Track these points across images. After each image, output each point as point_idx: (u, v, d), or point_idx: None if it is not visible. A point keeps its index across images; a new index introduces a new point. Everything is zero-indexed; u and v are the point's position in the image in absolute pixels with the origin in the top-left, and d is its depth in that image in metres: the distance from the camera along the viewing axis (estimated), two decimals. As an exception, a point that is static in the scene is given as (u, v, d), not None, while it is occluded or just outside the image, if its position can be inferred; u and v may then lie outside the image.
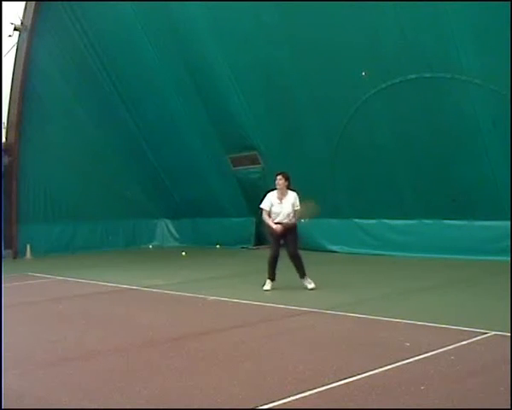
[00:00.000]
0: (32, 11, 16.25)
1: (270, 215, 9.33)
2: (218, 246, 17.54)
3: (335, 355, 5.32)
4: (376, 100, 12.82)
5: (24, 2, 16.49)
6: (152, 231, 19.49)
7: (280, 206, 9.27)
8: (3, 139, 16.75)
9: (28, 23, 16.23)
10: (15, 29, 16.32)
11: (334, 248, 14.94)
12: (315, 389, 4.26)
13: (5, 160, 16.34)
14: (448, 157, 12.47)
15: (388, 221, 13.99)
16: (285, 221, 9.24)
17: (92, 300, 9.13)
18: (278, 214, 9.27)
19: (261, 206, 9.46)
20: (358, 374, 4.57)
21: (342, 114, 13.46)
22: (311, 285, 9.25)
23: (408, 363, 4.89)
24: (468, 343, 5.50)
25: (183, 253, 16.03)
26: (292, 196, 9.30)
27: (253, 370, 4.92)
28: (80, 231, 17.61)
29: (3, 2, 15.48)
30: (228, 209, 17.65)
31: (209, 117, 16.29)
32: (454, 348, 5.35)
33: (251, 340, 6.03)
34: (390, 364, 4.83)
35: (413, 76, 12.06)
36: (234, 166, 16.90)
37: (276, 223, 9.28)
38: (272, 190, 9.44)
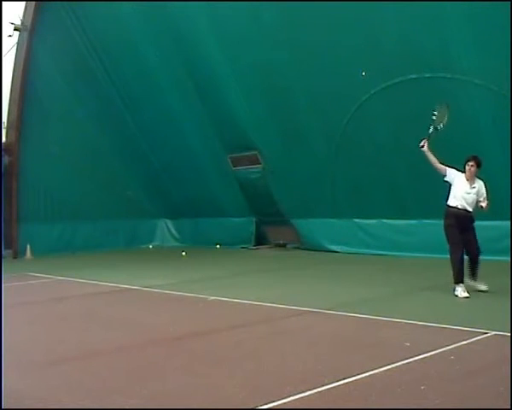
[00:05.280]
0: (32, 11, 16.27)
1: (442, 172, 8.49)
2: (218, 246, 17.54)
3: (335, 355, 5.33)
4: (376, 100, 12.82)
5: (24, 2, 16.51)
6: (152, 231, 19.50)
7: (466, 188, 8.25)
8: (3, 139, 16.77)
9: (28, 23, 16.24)
10: (15, 29, 16.34)
11: (334, 248, 14.95)
12: (315, 389, 4.26)
13: (5, 160, 16.36)
14: (448, 157, 12.45)
15: (388, 221, 13.99)
16: (465, 209, 8.26)
17: (92, 300, 9.12)
18: (458, 197, 8.29)
19: (444, 168, 8.54)
20: (358, 374, 4.57)
21: (342, 114, 13.46)
22: (483, 287, 8.36)
23: (408, 363, 4.88)
24: (468, 343, 5.49)
25: (183, 253, 16.03)
26: (479, 185, 8.31)
27: (253, 370, 4.91)
28: (80, 231, 17.61)
29: (3, 2, 15.50)
30: (228, 209, 17.65)
31: (209, 117, 16.29)
32: (454, 348, 5.34)
33: (251, 340, 6.03)
34: (390, 364, 4.83)
35: (413, 76, 12.06)
36: (234, 166, 16.91)
37: (451, 207, 8.32)
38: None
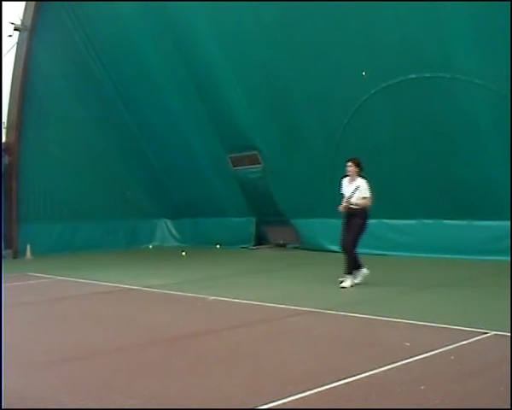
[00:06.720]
0: (32, 11, 16.27)
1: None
2: (218, 246, 17.54)
3: (335, 355, 5.33)
4: (376, 100, 12.82)
5: (24, 2, 16.51)
6: (152, 231, 19.49)
7: (347, 189, 9.32)
8: (3, 139, 16.77)
9: (28, 23, 16.25)
10: (15, 29, 16.34)
11: (334, 248, 14.90)
12: (315, 389, 4.26)
13: (5, 160, 16.35)
14: (448, 157, 12.48)
15: (388, 221, 13.98)
16: (350, 206, 9.23)
17: (92, 300, 9.12)
18: (345, 197, 9.34)
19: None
20: (358, 374, 4.56)
21: (342, 114, 13.46)
22: (345, 284, 9.22)
23: (408, 363, 4.88)
24: (468, 343, 5.49)
25: (183, 253, 16.03)
26: (361, 182, 9.25)
27: (253, 370, 4.91)
28: (80, 231, 17.60)
29: (3, 2, 15.49)
30: (228, 209, 17.65)
31: (209, 117, 16.29)
32: (454, 348, 5.34)
33: (251, 340, 6.03)
34: (390, 364, 4.83)
35: (413, 76, 12.06)
36: (234, 166, 16.91)
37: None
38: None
